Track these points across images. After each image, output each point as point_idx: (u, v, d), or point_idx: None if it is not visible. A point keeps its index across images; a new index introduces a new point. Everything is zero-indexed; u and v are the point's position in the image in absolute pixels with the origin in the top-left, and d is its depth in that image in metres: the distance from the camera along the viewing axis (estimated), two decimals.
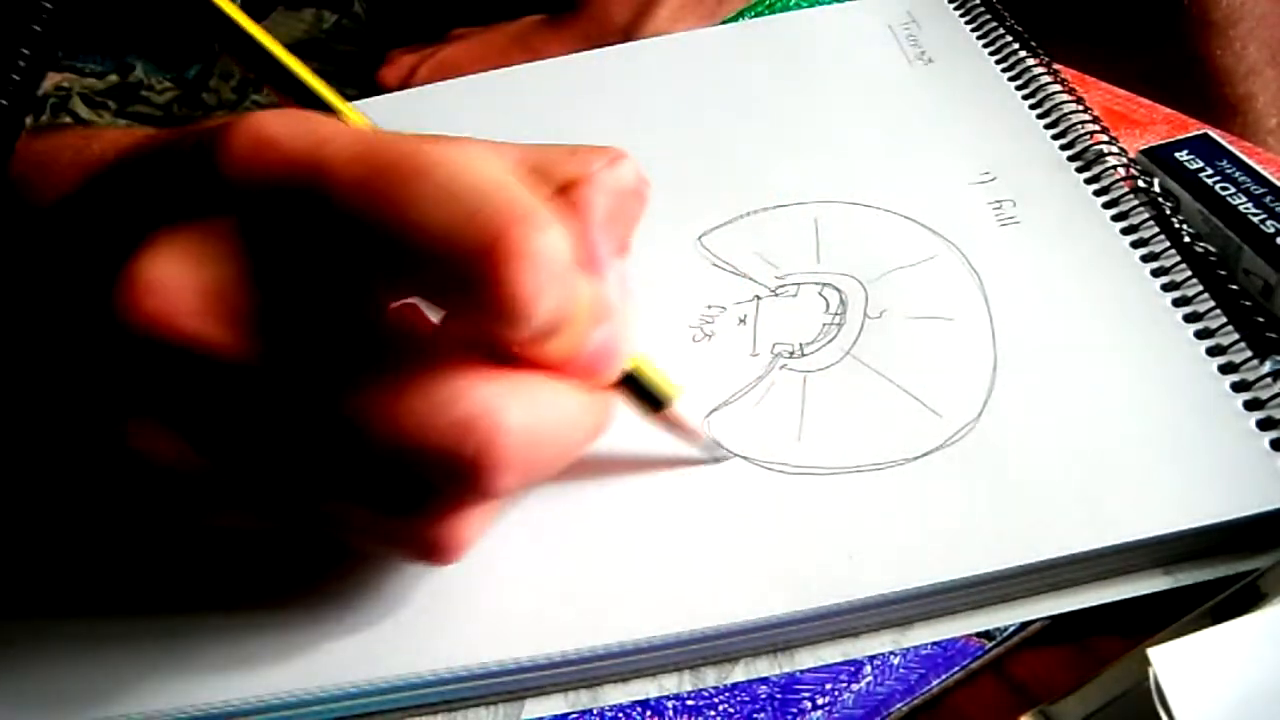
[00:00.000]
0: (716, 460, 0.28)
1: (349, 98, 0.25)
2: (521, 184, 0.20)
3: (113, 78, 0.51)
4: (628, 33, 0.48)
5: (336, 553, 0.27)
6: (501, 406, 0.21)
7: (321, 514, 0.23)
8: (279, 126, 0.21)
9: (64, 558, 0.28)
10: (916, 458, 0.27)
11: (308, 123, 0.21)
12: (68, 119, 0.49)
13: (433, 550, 0.23)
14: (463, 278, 0.19)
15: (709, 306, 0.32)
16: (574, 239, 0.21)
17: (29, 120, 0.26)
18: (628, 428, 0.29)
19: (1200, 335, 0.29)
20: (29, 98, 0.25)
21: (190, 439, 0.22)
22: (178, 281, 0.21)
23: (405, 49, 0.53)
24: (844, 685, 0.26)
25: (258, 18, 0.48)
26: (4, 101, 0.24)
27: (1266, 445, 0.26)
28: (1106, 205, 0.33)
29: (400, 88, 0.50)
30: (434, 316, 0.23)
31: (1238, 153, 0.34)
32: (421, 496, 0.22)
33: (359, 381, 0.21)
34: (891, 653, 0.26)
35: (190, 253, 0.21)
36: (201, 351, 0.21)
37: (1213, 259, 0.31)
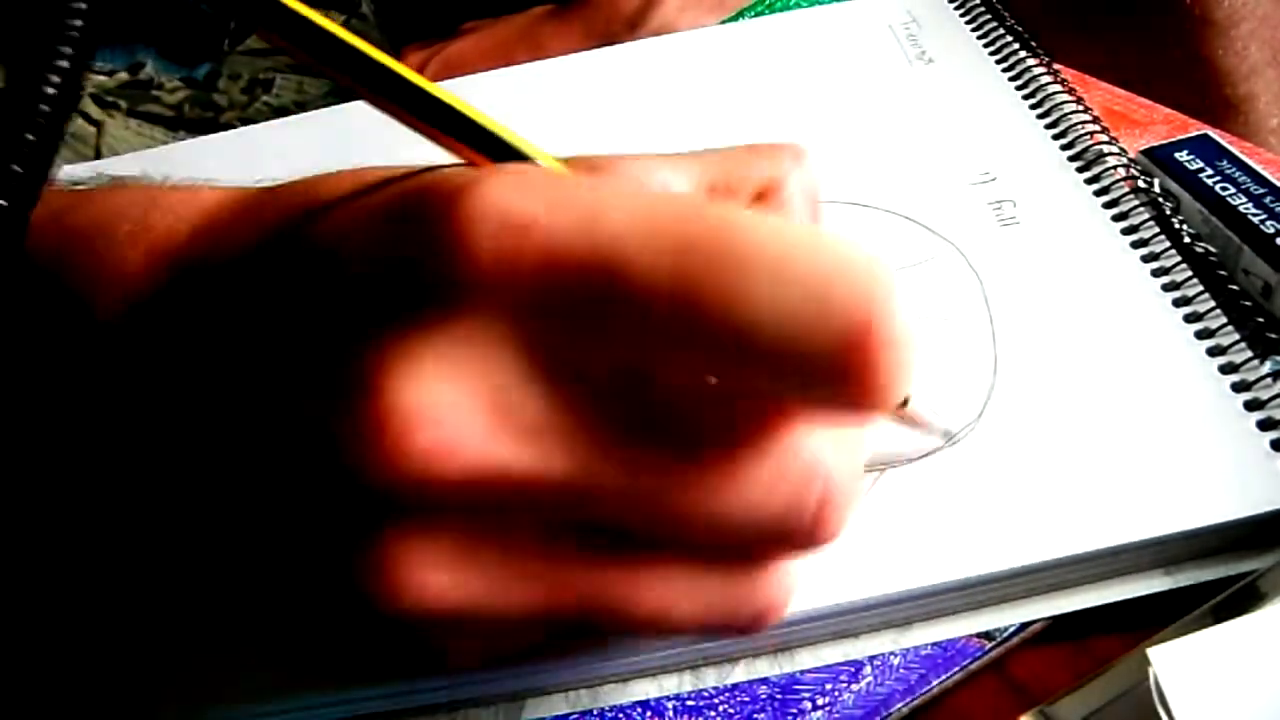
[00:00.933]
0: (953, 442, 0.27)
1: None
2: (760, 213, 0.18)
3: (123, 75, 0.51)
4: (634, 24, 0.48)
5: None
6: (825, 456, 0.19)
7: (645, 612, 0.20)
8: (526, 203, 0.17)
9: None
10: (916, 458, 0.27)
11: (552, 190, 0.18)
12: (79, 119, 0.49)
13: (764, 614, 0.21)
14: (813, 372, 0.17)
15: None
16: None
17: None
18: None
19: (1200, 335, 0.29)
20: (59, 131, 0.20)
21: (467, 556, 0.19)
22: (452, 402, 0.17)
23: (417, 45, 0.53)
24: (844, 685, 0.26)
25: None
26: (30, 136, 0.19)
27: (1267, 446, 0.26)
28: (1107, 205, 0.33)
29: None
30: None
31: (1238, 153, 0.34)
32: (748, 565, 0.20)
33: (679, 462, 0.18)
34: (891, 653, 0.26)
35: (448, 367, 0.17)
36: (491, 475, 0.18)
37: (1213, 259, 0.31)
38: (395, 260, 0.18)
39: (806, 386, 0.17)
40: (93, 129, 0.50)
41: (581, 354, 0.18)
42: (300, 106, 0.52)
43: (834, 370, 0.17)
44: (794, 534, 0.19)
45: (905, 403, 0.24)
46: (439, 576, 0.18)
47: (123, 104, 0.51)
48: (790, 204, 0.23)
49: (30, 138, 0.19)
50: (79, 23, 0.20)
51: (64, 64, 0.20)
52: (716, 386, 0.19)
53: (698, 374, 0.18)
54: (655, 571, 0.20)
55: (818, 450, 0.19)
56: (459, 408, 0.17)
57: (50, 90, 0.20)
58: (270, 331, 0.20)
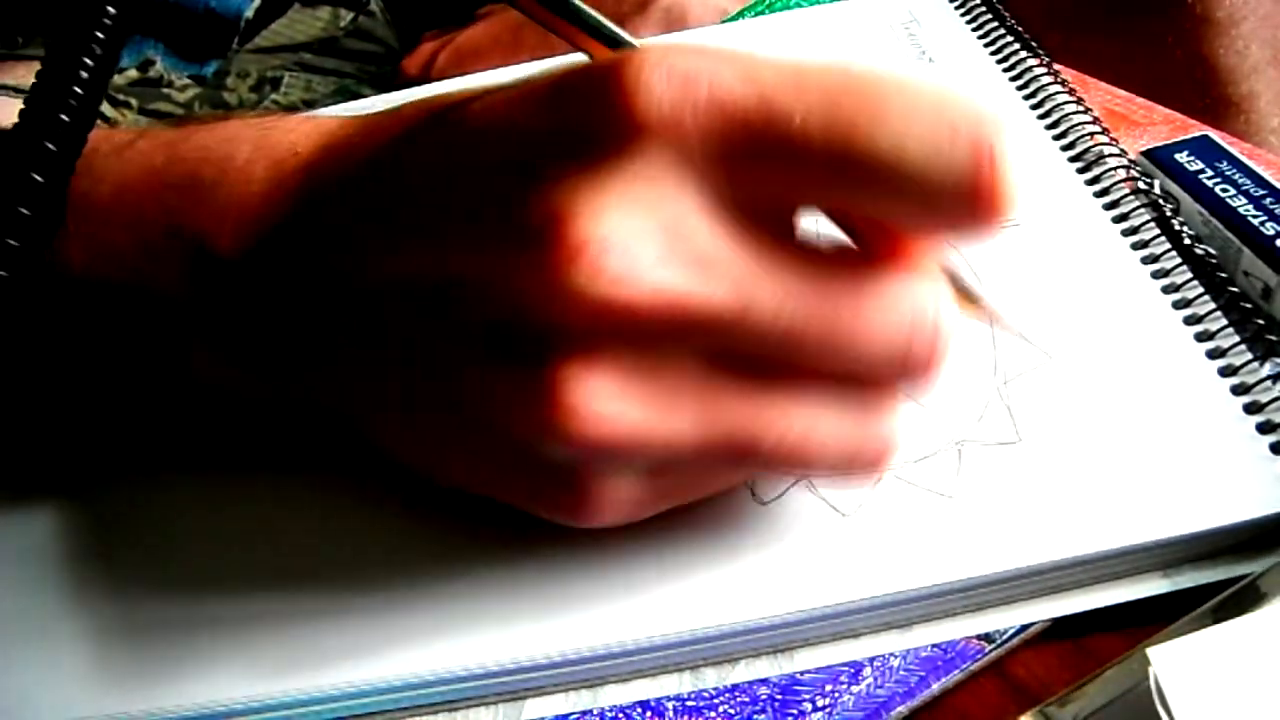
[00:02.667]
0: (1029, 340, 0.29)
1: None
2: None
3: (133, 73, 0.51)
4: (644, 4, 0.48)
5: (335, 551, 0.27)
6: (934, 295, 0.22)
7: (790, 442, 0.22)
8: (690, 59, 0.20)
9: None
10: (916, 460, 0.28)
11: (710, 51, 0.20)
12: None
13: (885, 451, 0.23)
14: (948, 187, 0.20)
15: None
16: None
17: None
18: None
19: (1201, 338, 0.29)
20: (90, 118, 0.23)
21: (637, 387, 0.21)
22: (633, 233, 0.20)
23: (435, 33, 0.53)
24: (844, 687, 0.26)
25: (275, 16, 0.48)
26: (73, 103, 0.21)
27: (1267, 449, 0.26)
28: (1107, 206, 0.33)
29: (422, 76, 0.51)
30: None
31: (1238, 154, 0.34)
32: (871, 402, 0.23)
33: (821, 294, 0.21)
34: (892, 654, 0.26)
35: (628, 204, 0.20)
36: (667, 302, 0.20)
37: (1213, 261, 0.31)
38: (567, 115, 0.20)
39: (943, 204, 0.20)
40: (106, 126, 0.50)
41: (745, 191, 0.20)
42: (309, 105, 0.52)
43: (965, 182, 0.20)
44: (912, 363, 0.22)
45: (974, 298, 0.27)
46: (609, 404, 0.20)
47: (134, 102, 0.51)
48: None
49: (65, 118, 0.21)
50: (113, 10, 0.21)
51: (98, 49, 0.21)
52: (859, 220, 0.23)
53: (846, 206, 0.22)
54: (796, 402, 0.22)
55: (932, 292, 0.22)
56: (640, 238, 0.20)
57: (84, 74, 0.21)
58: (431, 200, 0.22)
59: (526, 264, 0.20)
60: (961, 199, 0.20)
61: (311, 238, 0.24)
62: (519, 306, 0.20)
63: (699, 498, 0.26)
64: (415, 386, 0.24)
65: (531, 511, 0.24)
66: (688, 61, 0.20)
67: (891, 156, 0.20)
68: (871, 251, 0.23)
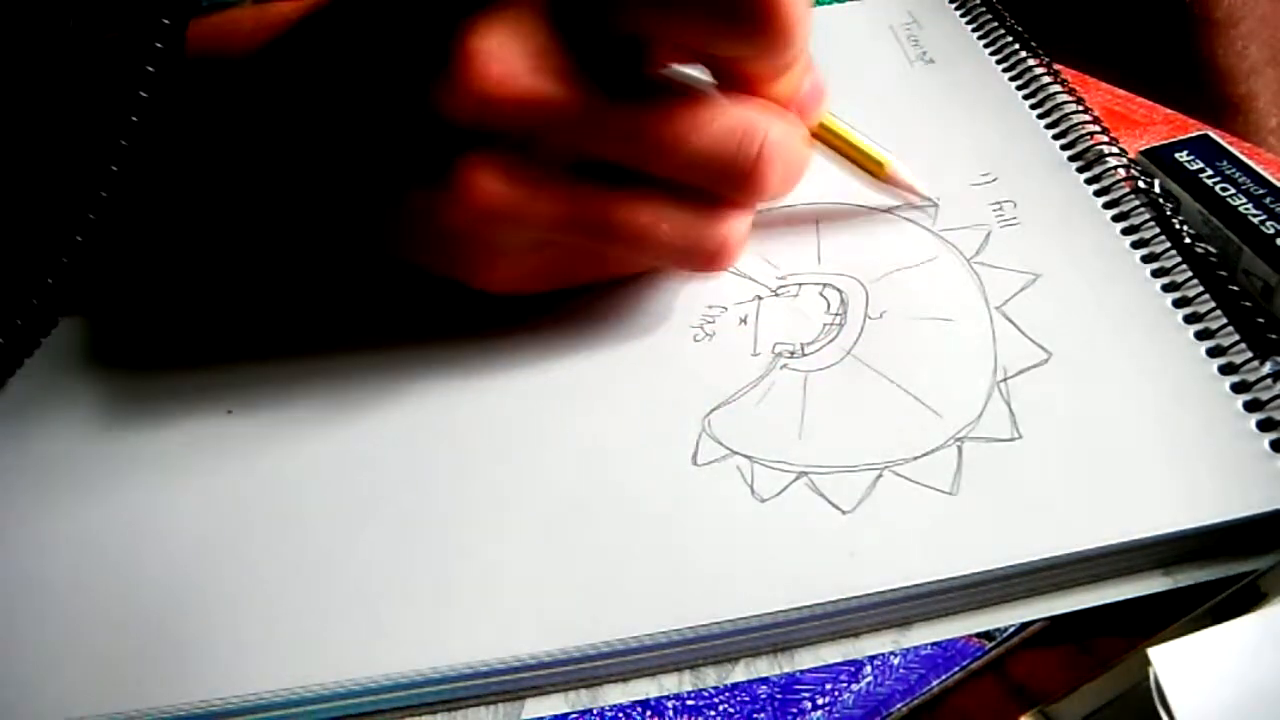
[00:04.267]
0: (934, 205, 0.34)
1: None
2: None
3: None
4: None
5: (334, 550, 0.27)
6: (766, 122, 0.28)
7: (636, 227, 0.29)
8: None
9: None
10: (917, 457, 0.28)
11: None
12: None
13: (722, 249, 0.29)
14: (731, 8, 0.25)
15: (710, 306, 0.32)
16: None
17: None
18: (629, 425, 0.29)
19: (1201, 336, 0.29)
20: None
21: (514, 173, 0.27)
22: (511, 48, 0.26)
23: None
24: (844, 685, 0.26)
25: None
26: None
27: (1266, 446, 0.26)
28: (1107, 206, 0.33)
29: None
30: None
31: (1238, 153, 0.34)
32: (710, 207, 0.29)
33: (659, 110, 0.27)
34: (892, 653, 0.26)
35: (508, 27, 0.26)
36: (534, 99, 0.26)
37: (1213, 260, 0.31)
38: None
39: (729, 26, 0.26)
40: None
41: (598, 22, 0.27)
42: None
43: (751, 15, 0.25)
44: (740, 176, 0.28)
45: (883, 166, 0.33)
46: (495, 184, 0.27)
47: None
48: None
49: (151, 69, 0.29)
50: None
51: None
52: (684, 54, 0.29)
53: (673, 33, 0.27)
54: (644, 199, 0.28)
55: (759, 117, 0.28)
56: (517, 54, 0.26)
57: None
58: (383, 33, 0.30)
59: (439, 71, 0.26)
60: (742, 16, 0.25)
61: (300, 65, 0.32)
62: (435, 102, 0.27)
63: (576, 280, 0.32)
64: (371, 180, 0.30)
65: (449, 275, 0.31)
66: None
67: None
68: (726, 86, 0.28)
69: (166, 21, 0.28)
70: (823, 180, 0.35)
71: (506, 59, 0.26)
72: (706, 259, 0.29)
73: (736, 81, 0.28)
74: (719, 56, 0.28)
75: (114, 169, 0.29)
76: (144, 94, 0.29)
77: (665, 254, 0.30)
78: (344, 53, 0.31)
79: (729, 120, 0.27)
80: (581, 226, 0.29)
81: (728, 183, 0.28)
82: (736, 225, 0.29)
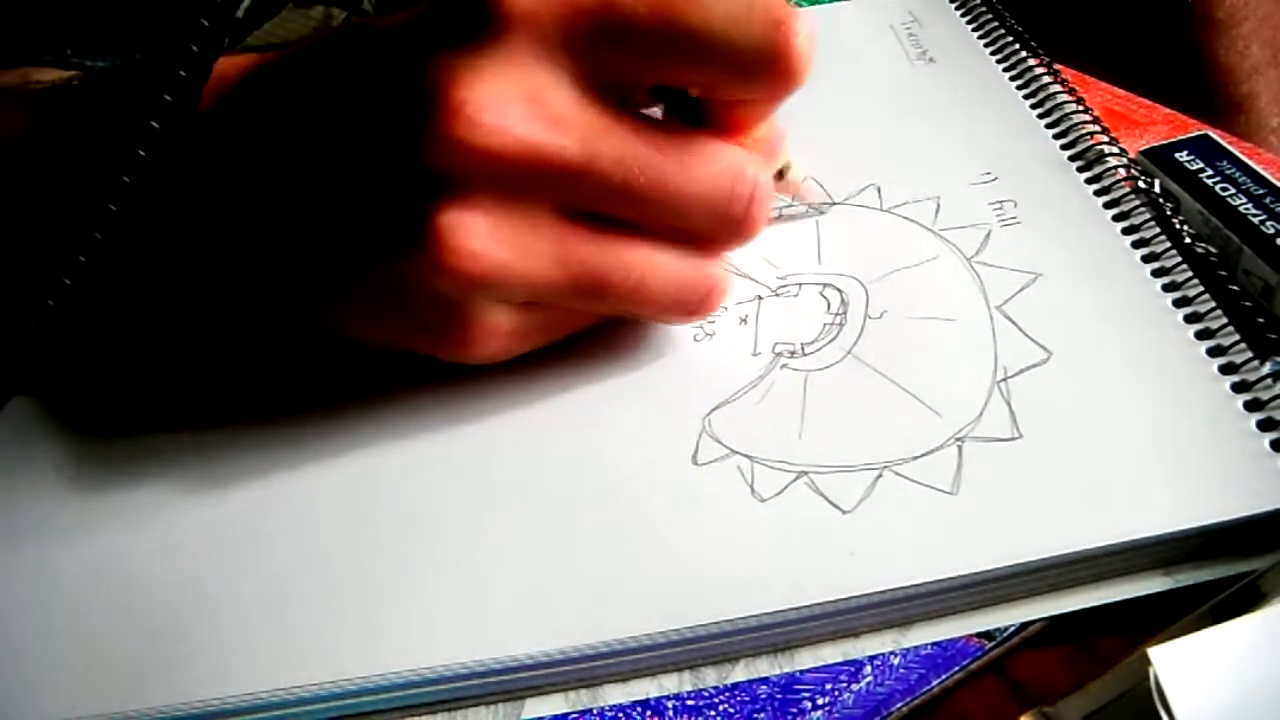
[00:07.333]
0: (822, 211, 0.34)
1: None
2: None
3: None
4: None
5: (334, 550, 0.27)
6: (754, 165, 0.27)
7: (630, 282, 0.27)
8: None
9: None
10: (917, 457, 0.28)
11: None
12: None
13: (711, 294, 0.29)
14: (753, 55, 0.25)
15: None
16: None
17: None
18: (630, 425, 0.29)
19: (1201, 336, 0.29)
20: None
21: (497, 230, 0.26)
22: (500, 96, 0.25)
23: None
24: (844, 685, 0.26)
25: (266, 16, 0.48)
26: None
27: (1267, 446, 0.26)
28: (1107, 205, 0.33)
29: None
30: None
31: (1238, 153, 0.34)
32: (699, 251, 0.28)
33: (653, 155, 0.26)
34: (892, 653, 0.26)
35: (496, 71, 0.25)
36: (527, 150, 0.25)
37: (1213, 260, 0.31)
38: (451, 13, 0.25)
39: (747, 67, 0.25)
40: None
41: (593, 67, 0.25)
42: None
43: (763, 47, 0.25)
44: (735, 220, 0.27)
45: (784, 171, 0.33)
46: (480, 242, 0.25)
47: None
48: None
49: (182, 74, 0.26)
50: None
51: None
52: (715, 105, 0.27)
53: (677, 78, 0.26)
54: (637, 249, 0.27)
55: (750, 160, 0.27)
56: (507, 102, 0.25)
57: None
58: (357, 81, 0.27)
59: (421, 122, 0.24)
60: (762, 62, 0.25)
61: (257, 124, 0.29)
62: (416, 154, 0.25)
63: (564, 334, 0.30)
64: (330, 248, 0.28)
65: (425, 351, 0.28)
66: None
67: (702, 30, 0.25)
68: (714, 128, 0.28)
69: (195, 49, 0.26)
70: (821, 182, 0.35)
71: (496, 107, 0.24)
72: (695, 306, 0.29)
73: (726, 122, 0.28)
74: (720, 98, 0.27)
75: (111, 208, 0.27)
76: (155, 124, 0.26)
77: (655, 306, 0.28)
78: (304, 104, 0.28)
79: (719, 164, 0.27)
80: (572, 286, 0.27)
81: (721, 226, 0.27)
82: (721, 269, 0.29)
